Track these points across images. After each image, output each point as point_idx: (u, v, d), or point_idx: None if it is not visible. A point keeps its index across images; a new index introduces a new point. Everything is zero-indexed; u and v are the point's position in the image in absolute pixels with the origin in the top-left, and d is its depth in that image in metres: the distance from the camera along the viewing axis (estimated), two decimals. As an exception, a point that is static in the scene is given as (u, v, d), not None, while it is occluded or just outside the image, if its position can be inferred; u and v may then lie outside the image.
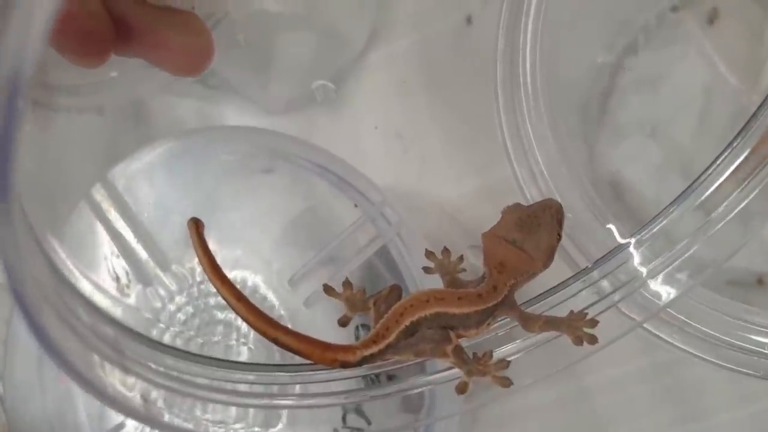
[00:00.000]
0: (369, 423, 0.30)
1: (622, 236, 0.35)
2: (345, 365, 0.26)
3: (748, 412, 0.40)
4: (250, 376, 0.26)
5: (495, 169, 0.41)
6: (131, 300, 0.35)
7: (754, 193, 0.26)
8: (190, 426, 0.25)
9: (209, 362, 0.26)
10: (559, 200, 0.37)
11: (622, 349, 0.28)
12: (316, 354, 0.26)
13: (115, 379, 0.22)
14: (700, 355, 0.33)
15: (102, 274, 0.35)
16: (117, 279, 0.35)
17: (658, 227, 0.27)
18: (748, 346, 0.33)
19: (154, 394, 0.24)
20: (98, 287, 0.34)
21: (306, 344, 0.25)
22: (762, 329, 0.33)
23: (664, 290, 0.26)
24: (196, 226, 0.27)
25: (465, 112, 0.43)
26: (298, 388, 0.26)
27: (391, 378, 0.29)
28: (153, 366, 0.24)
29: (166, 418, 0.25)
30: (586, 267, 0.28)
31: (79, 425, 0.34)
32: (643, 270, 0.27)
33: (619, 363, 0.40)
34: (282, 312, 0.36)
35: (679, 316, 0.32)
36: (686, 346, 0.33)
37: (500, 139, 0.39)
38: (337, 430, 0.31)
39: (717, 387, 0.39)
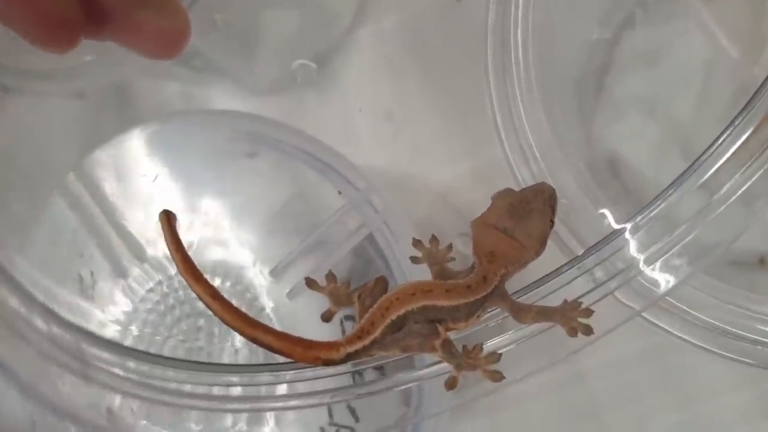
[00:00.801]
0: (357, 420, 0.30)
1: (618, 221, 0.34)
2: (329, 363, 0.25)
3: (746, 395, 0.40)
4: (233, 378, 0.25)
5: (489, 150, 0.40)
6: (96, 302, 0.34)
7: (758, 174, 0.25)
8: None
9: (184, 365, 0.25)
10: (551, 182, 0.37)
11: (618, 333, 0.27)
12: (297, 352, 0.25)
13: (78, 391, 0.21)
14: (700, 344, 0.33)
15: (65, 276, 0.34)
16: (80, 280, 0.34)
17: (655, 211, 0.26)
18: (747, 335, 0.32)
19: (119, 404, 0.23)
20: (57, 293, 0.32)
21: (287, 342, 0.25)
22: (763, 317, 0.33)
23: (662, 278, 0.26)
24: (168, 219, 0.26)
25: (456, 91, 0.42)
26: (282, 388, 0.26)
27: (379, 369, 0.28)
28: (122, 374, 0.24)
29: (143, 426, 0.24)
30: (580, 254, 0.27)
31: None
32: (640, 257, 0.26)
33: (615, 346, 0.40)
34: (264, 304, 0.35)
35: (677, 304, 0.32)
36: (685, 334, 0.33)
37: (491, 119, 0.38)
38: (324, 428, 0.30)
39: (714, 371, 0.39)
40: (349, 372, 0.27)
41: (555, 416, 0.40)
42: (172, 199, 0.36)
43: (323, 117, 0.42)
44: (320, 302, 0.35)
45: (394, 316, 0.25)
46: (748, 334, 0.33)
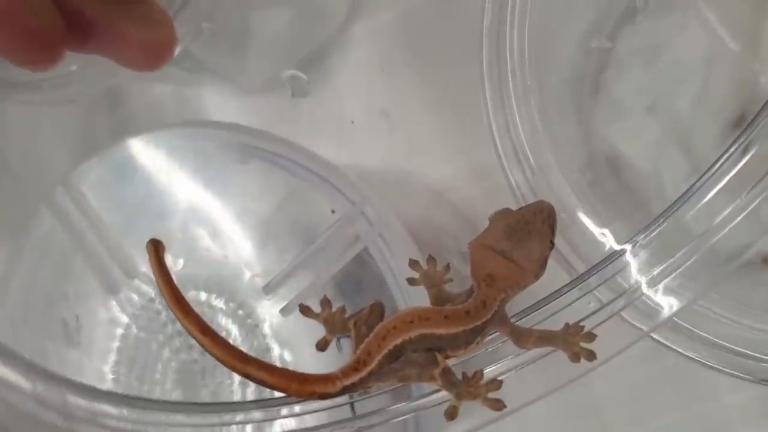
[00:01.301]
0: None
1: (617, 236, 0.34)
2: (324, 396, 0.25)
3: (747, 395, 0.40)
4: (215, 419, 0.25)
5: (486, 148, 0.40)
6: (82, 346, 0.33)
7: (765, 194, 0.24)
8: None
9: (178, 408, 0.25)
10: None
11: (619, 333, 0.27)
12: (292, 387, 0.24)
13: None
14: (700, 359, 0.32)
15: (52, 323, 0.33)
16: (65, 324, 0.34)
17: (657, 231, 0.26)
18: (745, 351, 0.32)
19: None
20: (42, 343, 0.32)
21: (281, 378, 0.24)
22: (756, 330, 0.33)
23: (665, 302, 0.25)
24: (156, 249, 0.25)
25: (452, 88, 0.42)
26: (277, 425, 0.25)
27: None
28: (114, 424, 0.23)
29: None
30: (581, 274, 0.27)
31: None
32: (642, 279, 0.25)
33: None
34: (258, 321, 0.35)
35: (682, 323, 0.31)
36: (686, 350, 0.32)
37: (485, 121, 0.38)
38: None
39: (712, 373, 0.39)
40: (347, 403, 0.26)
41: (556, 415, 0.41)
42: (161, 212, 0.35)
43: (317, 117, 0.42)
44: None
45: (391, 346, 0.25)
46: (742, 349, 0.33)
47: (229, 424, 0.25)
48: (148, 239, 0.26)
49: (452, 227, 0.43)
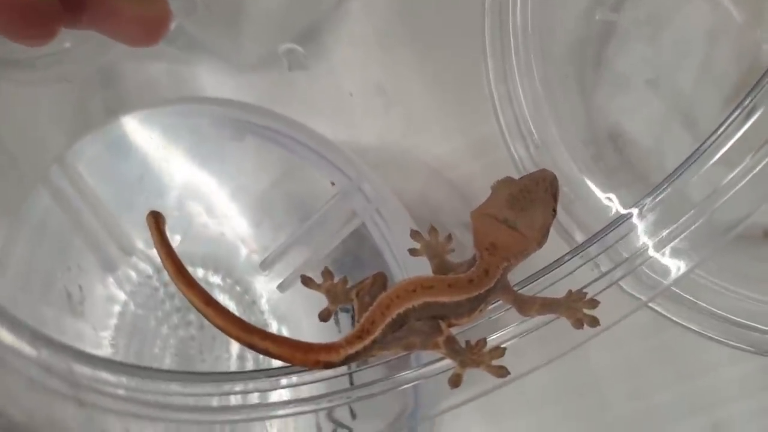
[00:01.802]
0: (354, 417, 0.30)
1: (623, 201, 0.34)
2: (329, 366, 0.25)
3: (746, 368, 0.40)
4: (225, 387, 0.25)
5: (485, 123, 0.40)
6: (85, 316, 0.33)
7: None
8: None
9: (177, 377, 0.25)
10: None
11: (618, 308, 0.27)
12: (297, 357, 0.25)
13: (71, 417, 0.21)
14: (700, 330, 0.33)
15: (52, 292, 0.33)
16: (69, 296, 0.34)
17: (663, 194, 0.26)
18: (746, 322, 0.33)
19: (114, 425, 0.23)
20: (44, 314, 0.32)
21: (286, 347, 0.24)
22: (753, 302, 0.33)
23: (673, 264, 0.25)
24: (156, 220, 0.25)
25: (451, 63, 0.42)
26: (277, 394, 0.25)
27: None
28: (115, 392, 0.23)
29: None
30: (584, 241, 0.27)
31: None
32: (649, 242, 0.26)
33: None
34: (255, 297, 0.35)
35: (676, 290, 0.32)
36: (686, 321, 0.33)
37: (487, 92, 0.38)
38: (321, 425, 0.30)
39: (713, 345, 0.39)
40: (346, 374, 0.27)
41: (554, 390, 0.41)
42: (157, 189, 0.35)
43: (313, 93, 0.42)
44: (313, 294, 0.35)
45: (394, 315, 0.25)
46: (745, 321, 0.33)
47: (229, 393, 0.25)
48: (146, 214, 0.26)
49: (450, 204, 0.43)
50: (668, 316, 0.33)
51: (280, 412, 0.26)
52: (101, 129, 0.36)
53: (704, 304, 0.33)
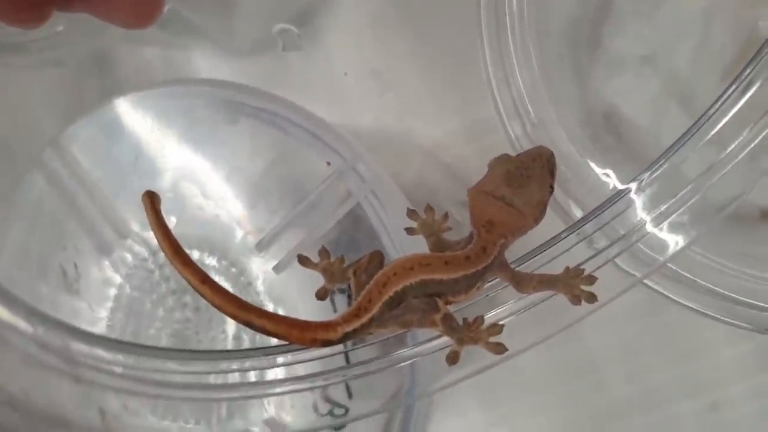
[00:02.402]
0: (351, 396, 0.30)
1: (620, 179, 0.34)
2: (326, 344, 0.25)
3: (743, 348, 0.40)
4: (223, 365, 0.25)
5: (480, 106, 0.40)
6: (81, 294, 0.33)
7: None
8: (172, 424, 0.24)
9: (174, 355, 0.25)
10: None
11: (613, 284, 0.28)
12: (294, 335, 0.25)
13: (68, 394, 0.21)
14: (697, 308, 0.33)
15: (48, 271, 0.33)
16: (64, 273, 0.34)
17: (661, 170, 0.26)
18: (744, 299, 0.33)
19: (112, 403, 0.23)
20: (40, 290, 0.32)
21: (283, 325, 0.25)
22: (752, 279, 0.33)
23: (671, 239, 0.26)
24: (152, 200, 0.25)
25: (445, 45, 0.42)
26: (273, 373, 0.26)
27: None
28: (113, 369, 0.23)
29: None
30: (581, 217, 0.27)
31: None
32: (647, 217, 0.26)
33: (611, 302, 0.40)
34: (251, 279, 0.35)
35: (674, 268, 0.32)
36: (683, 298, 0.33)
37: (483, 73, 0.38)
38: (317, 405, 0.30)
39: (710, 325, 0.39)
40: (342, 352, 0.27)
41: (551, 373, 0.41)
42: (151, 172, 0.35)
43: (308, 77, 0.42)
44: (309, 275, 0.35)
45: (392, 292, 0.26)
46: (745, 299, 0.33)
47: (226, 372, 0.25)
48: (142, 194, 0.26)
49: (445, 187, 0.43)
50: (666, 294, 0.34)
51: (277, 390, 0.26)
52: (95, 112, 0.36)
53: (703, 282, 0.33)
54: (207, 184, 0.36)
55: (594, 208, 0.27)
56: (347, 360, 0.27)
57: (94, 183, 0.35)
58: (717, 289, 0.34)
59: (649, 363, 0.41)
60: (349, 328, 0.25)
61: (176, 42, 0.42)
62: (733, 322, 0.34)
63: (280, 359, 0.26)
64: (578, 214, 0.34)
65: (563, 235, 0.27)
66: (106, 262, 0.35)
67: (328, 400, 0.30)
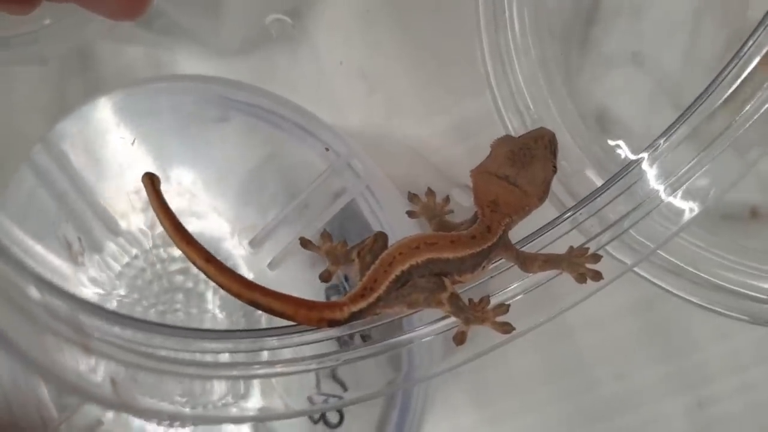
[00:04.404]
0: (345, 389, 0.30)
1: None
2: (332, 324, 0.25)
3: (734, 343, 0.41)
4: (228, 344, 0.25)
5: (468, 106, 0.41)
6: (87, 268, 0.33)
7: (752, 120, 0.26)
8: (169, 406, 0.24)
9: (185, 333, 0.25)
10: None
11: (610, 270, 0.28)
12: (301, 314, 0.25)
13: (77, 362, 0.21)
14: (691, 299, 0.34)
15: (51, 243, 0.33)
16: (69, 246, 0.34)
17: (676, 133, 0.27)
18: (738, 289, 0.34)
19: (123, 375, 0.23)
20: (47, 259, 0.32)
21: (289, 304, 0.25)
22: (754, 272, 0.34)
23: (686, 206, 0.27)
24: (152, 181, 0.26)
25: (434, 45, 0.43)
26: (267, 355, 0.26)
27: (364, 339, 0.28)
28: (123, 343, 0.23)
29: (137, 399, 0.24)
30: (589, 194, 0.28)
31: (40, 401, 0.33)
32: (660, 188, 0.27)
33: (601, 300, 0.41)
34: (245, 276, 0.35)
35: (668, 257, 0.33)
36: (676, 289, 0.34)
37: (481, 68, 0.39)
38: (311, 398, 0.30)
39: (701, 321, 0.41)
40: (335, 337, 0.27)
41: (541, 371, 0.42)
42: (141, 169, 0.35)
43: (294, 76, 0.42)
44: (303, 272, 0.35)
45: (398, 272, 0.26)
46: (739, 289, 0.34)
47: (224, 352, 0.25)
48: (142, 176, 0.26)
49: (435, 186, 0.44)
50: (657, 283, 0.34)
51: (278, 369, 0.26)
52: (83, 108, 0.36)
53: (704, 275, 0.34)
54: (198, 180, 0.36)
55: (608, 179, 0.27)
56: (340, 344, 0.27)
57: (84, 180, 0.35)
58: (715, 280, 0.35)
59: (639, 360, 0.42)
60: (355, 308, 0.26)
61: (161, 42, 0.42)
62: (727, 312, 0.35)
63: (295, 339, 0.26)
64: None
65: (566, 215, 0.28)
66: (97, 258, 0.35)
67: (322, 393, 0.30)
